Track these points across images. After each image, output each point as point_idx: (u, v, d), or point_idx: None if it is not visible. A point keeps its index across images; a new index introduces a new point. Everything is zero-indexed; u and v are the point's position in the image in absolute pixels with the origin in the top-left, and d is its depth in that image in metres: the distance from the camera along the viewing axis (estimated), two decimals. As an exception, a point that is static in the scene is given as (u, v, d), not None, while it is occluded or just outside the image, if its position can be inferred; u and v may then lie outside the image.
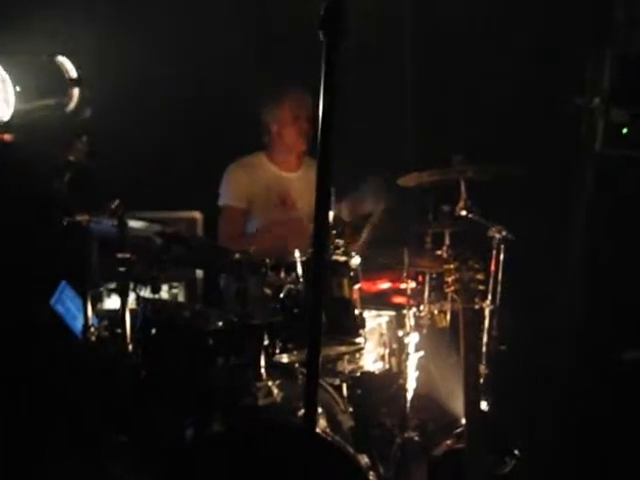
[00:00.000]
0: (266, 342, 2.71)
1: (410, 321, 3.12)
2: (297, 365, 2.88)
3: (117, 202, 2.75)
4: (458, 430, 2.87)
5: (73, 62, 2.45)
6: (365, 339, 2.84)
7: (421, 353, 3.15)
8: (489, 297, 3.03)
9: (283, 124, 3.60)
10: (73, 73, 2.45)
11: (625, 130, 3.28)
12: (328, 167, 1.21)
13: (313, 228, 4.27)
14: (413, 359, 3.11)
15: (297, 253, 2.75)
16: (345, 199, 3.44)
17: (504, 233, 3.03)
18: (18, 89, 2.24)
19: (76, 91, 2.44)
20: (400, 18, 4.01)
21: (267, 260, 2.79)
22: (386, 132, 3.95)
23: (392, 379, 3.13)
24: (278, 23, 3.91)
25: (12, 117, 2.22)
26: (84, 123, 2.60)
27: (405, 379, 3.08)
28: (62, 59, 2.44)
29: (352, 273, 2.81)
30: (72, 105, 2.43)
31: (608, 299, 3.24)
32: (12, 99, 2.24)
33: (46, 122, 2.38)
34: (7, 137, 2.40)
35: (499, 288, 3.05)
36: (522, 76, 3.82)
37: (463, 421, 2.68)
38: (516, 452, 2.84)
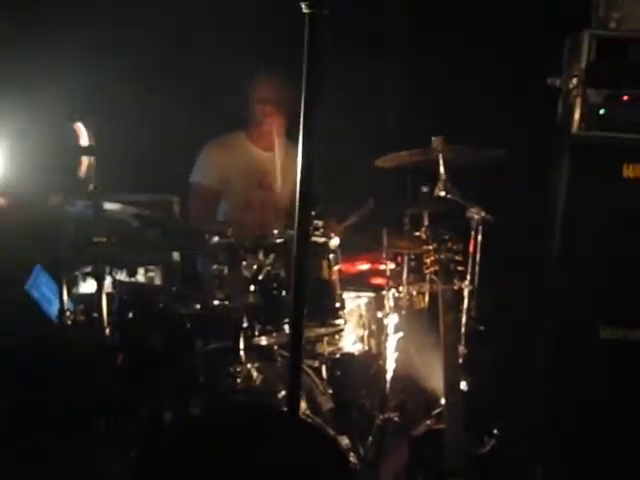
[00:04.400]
0: (245, 325, 2.69)
1: (389, 302, 3.13)
2: (276, 347, 2.87)
3: (93, 185, 2.71)
4: (437, 410, 2.88)
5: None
6: (345, 320, 2.84)
7: (400, 334, 3.16)
8: (468, 278, 3.04)
9: (253, 103, 3.60)
10: (85, 141, 2.46)
11: (602, 111, 3.27)
12: (312, 142, 1.19)
13: (291, 209, 4.20)
14: (392, 340, 3.12)
15: (275, 235, 2.73)
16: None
17: (483, 214, 3.04)
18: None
19: (85, 159, 2.45)
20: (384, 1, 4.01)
21: (245, 242, 2.77)
22: (368, 115, 3.94)
23: (371, 360, 3.14)
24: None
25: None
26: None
27: (384, 360, 3.09)
28: (79, 125, 2.44)
29: (331, 254, 2.80)
30: (82, 171, 2.44)
31: (587, 279, 3.25)
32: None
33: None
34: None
35: (477, 269, 3.06)
36: (500, 57, 3.81)
37: (442, 401, 2.68)
38: (495, 432, 2.86)
